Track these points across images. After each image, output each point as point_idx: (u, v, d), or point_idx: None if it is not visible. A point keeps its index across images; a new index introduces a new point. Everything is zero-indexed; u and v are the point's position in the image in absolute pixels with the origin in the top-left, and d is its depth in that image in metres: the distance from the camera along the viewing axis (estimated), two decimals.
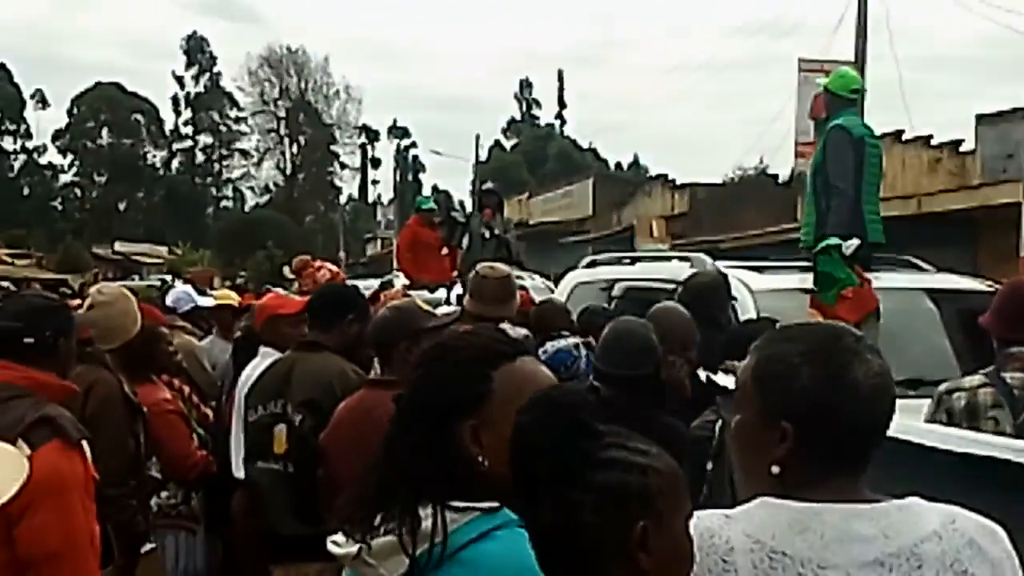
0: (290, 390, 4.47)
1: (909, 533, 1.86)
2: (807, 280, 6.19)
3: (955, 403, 4.21)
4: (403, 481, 2.06)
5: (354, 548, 2.07)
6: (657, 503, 1.68)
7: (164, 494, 5.24)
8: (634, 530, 1.66)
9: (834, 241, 6.05)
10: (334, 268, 9.37)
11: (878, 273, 6.20)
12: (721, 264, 6.46)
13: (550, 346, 5.41)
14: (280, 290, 6.90)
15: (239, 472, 4.95)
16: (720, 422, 3.65)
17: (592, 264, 8.25)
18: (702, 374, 4.06)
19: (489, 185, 12.74)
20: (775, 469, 1.90)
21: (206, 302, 8.67)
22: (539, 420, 1.74)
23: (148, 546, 4.64)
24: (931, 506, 1.93)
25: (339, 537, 2.14)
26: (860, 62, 20.34)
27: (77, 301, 6.98)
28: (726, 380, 3.61)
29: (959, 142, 19.60)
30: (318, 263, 9.41)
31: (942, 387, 4.32)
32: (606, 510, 1.67)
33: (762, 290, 5.94)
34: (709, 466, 3.58)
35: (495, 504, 1.98)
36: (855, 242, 6.15)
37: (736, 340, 4.39)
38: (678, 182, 32.69)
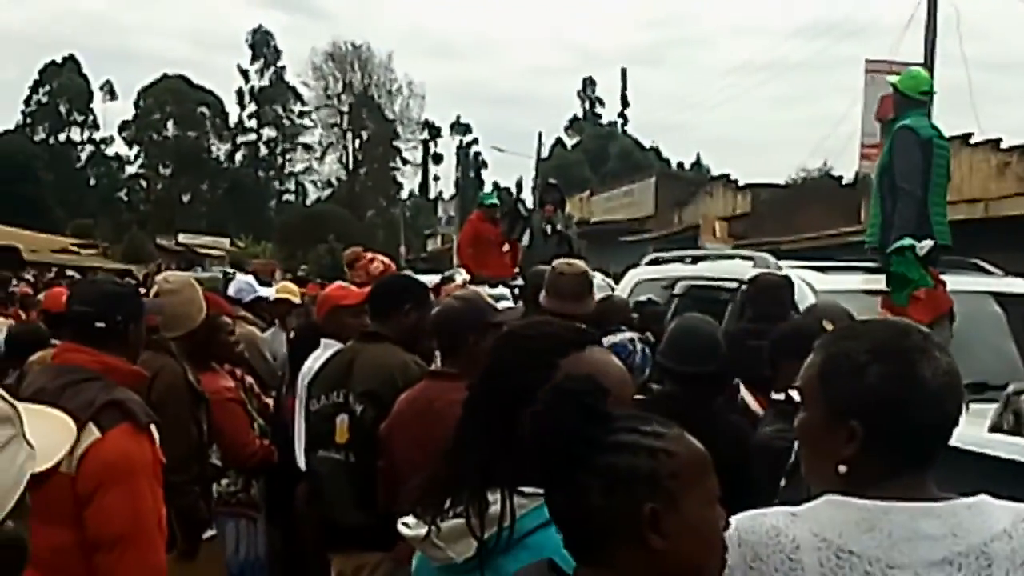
0: (352, 380, 4.49)
1: (978, 532, 1.83)
2: (871, 281, 6.15)
3: (1023, 404, 4.18)
4: (472, 466, 2.09)
5: (423, 530, 2.10)
6: (668, 485, 1.68)
7: (224, 481, 5.28)
8: (643, 512, 1.66)
9: (908, 242, 5.97)
10: (387, 261, 9.40)
11: (944, 276, 6.12)
12: (784, 264, 6.44)
13: (606, 340, 5.40)
14: (342, 282, 6.94)
15: (301, 461, 4.99)
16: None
17: (654, 262, 8.24)
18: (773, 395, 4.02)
19: (551, 181, 12.72)
20: (842, 468, 1.89)
21: (268, 293, 8.77)
22: (547, 407, 1.77)
23: (209, 532, 4.67)
24: (1001, 504, 1.90)
25: (410, 519, 2.18)
26: (928, 63, 20.06)
27: (142, 291, 7.08)
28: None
29: None
30: (370, 255, 9.44)
31: (1011, 388, 4.31)
32: (614, 493, 1.68)
33: (826, 291, 5.86)
34: (783, 483, 3.53)
35: None
36: (929, 242, 6.07)
37: (788, 338, 4.40)
38: (740, 183, 32.45)
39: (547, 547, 1.87)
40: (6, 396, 1.73)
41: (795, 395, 3.59)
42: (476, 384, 2.23)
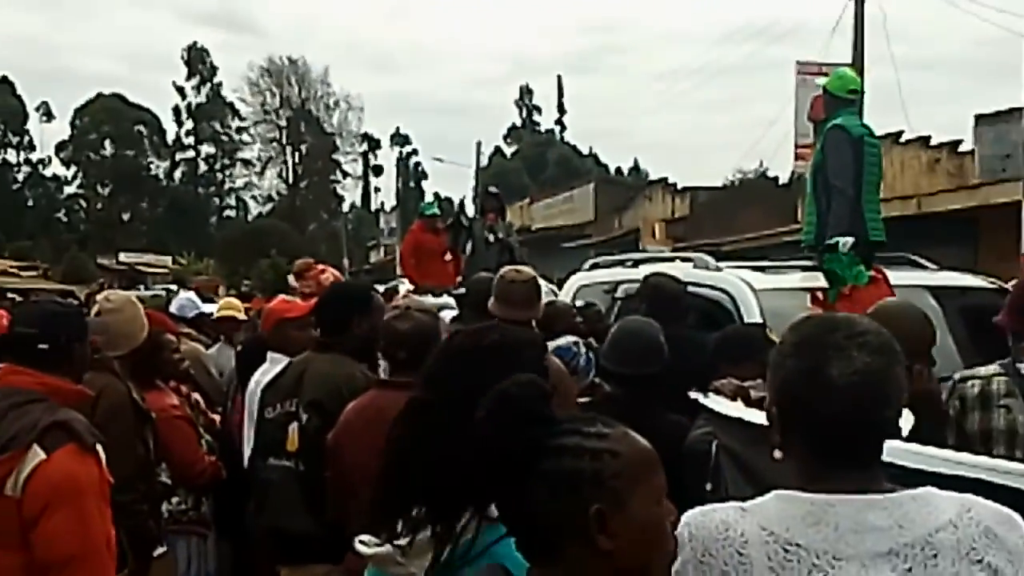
0: (301, 390, 4.50)
1: (924, 523, 1.86)
2: (810, 279, 6.24)
3: (968, 391, 4.26)
4: (442, 482, 2.09)
5: (384, 549, 2.13)
6: (613, 485, 1.70)
7: (175, 500, 5.26)
8: (589, 513, 1.68)
9: (832, 240, 6.10)
10: (336, 273, 9.38)
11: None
12: (723, 265, 6.52)
13: (550, 345, 5.44)
14: (285, 296, 6.93)
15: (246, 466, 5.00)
16: (716, 442, 3.60)
17: (595, 266, 8.28)
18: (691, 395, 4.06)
19: (492, 189, 12.72)
20: (777, 454, 1.95)
21: (211, 309, 8.73)
22: (491, 412, 1.79)
23: (160, 550, 4.65)
24: (947, 495, 1.93)
25: (365, 537, 2.20)
26: (858, 64, 20.39)
27: (84, 311, 7.02)
28: (715, 402, 3.67)
29: (958, 143, 19.66)
30: (320, 267, 9.42)
31: (957, 375, 4.37)
32: (559, 496, 1.70)
33: (765, 289, 5.96)
34: (708, 487, 3.53)
35: None
36: (850, 239, 6.19)
37: (728, 342, 4.46)
38: (679, 186, 32.73)
39: (509, 556, 1.88)
40: None
41: (708, 400, 3.69)
42: (454, 393, 2.19)
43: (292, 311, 5.64)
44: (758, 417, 3.09)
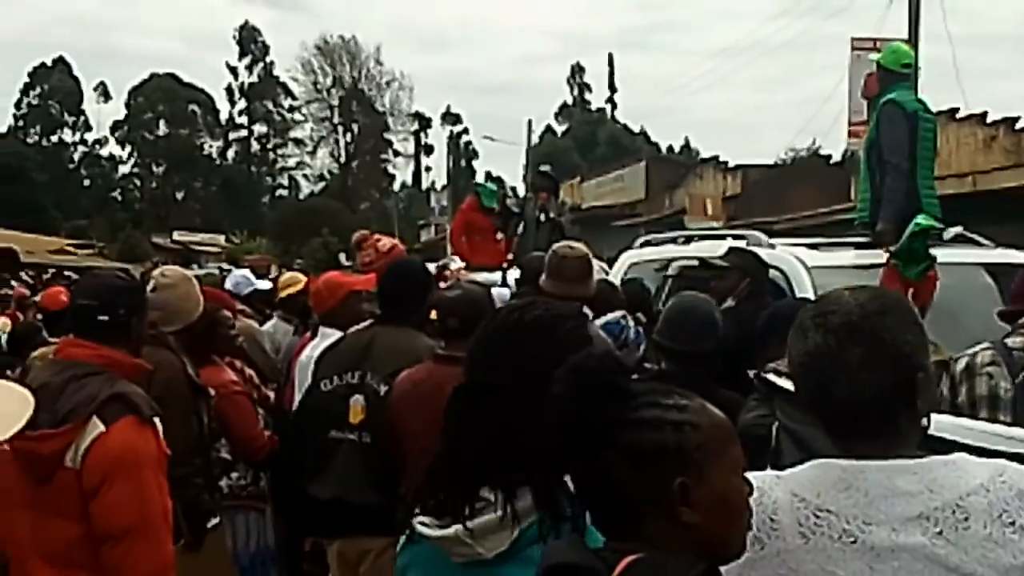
0: (371, 361, 4.49)
1: (954, 487, 1.86)
2: (862, 257, 6.19)
3: (956, 367, 4.39)
4: (503, 459, 2.12)
5: (451, 530, 2.13)
6: (696, 458, 1.70)
7: (234, 475, 5.29)
8: (672, 486, 1.68)
9: (931, 223, 5.94)
10: (393, 240, 9.45)
11: (935, 249, 6.15)
12: (776, 242, 6.49)
13: (597, 321, 5.46)
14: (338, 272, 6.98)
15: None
16: (777, 424, 3.58)
17: (646, 244, 8.26)
18: (751, 373, 4.05)
19: (544, 168, 12.64)
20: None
21: (264, 285, 8.77)
22: (569, 387, 1.78)
23: (213, 521, 4.67)
24: (979, 461, 1.94)
25: (426, 518, 2.20)
26: (913, 40, 20.10)
27: None
28: (782, 381, 3.59)
29: (1015, 119, 19.35)
30: (376, 236, 9.47)
31: (974, 348, 4.44)
32: (642, 469, 1.70)
33: (817, 267, 5.93)
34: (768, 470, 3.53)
35: None
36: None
37: (779, 318, 4.44)
38: (730, 164, 32.48)
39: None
40: None
41: (772, 377, 3.66)
42: (505, 372, 2.23)
43: (359, 284, 5.65)
44: None
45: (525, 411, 2.08)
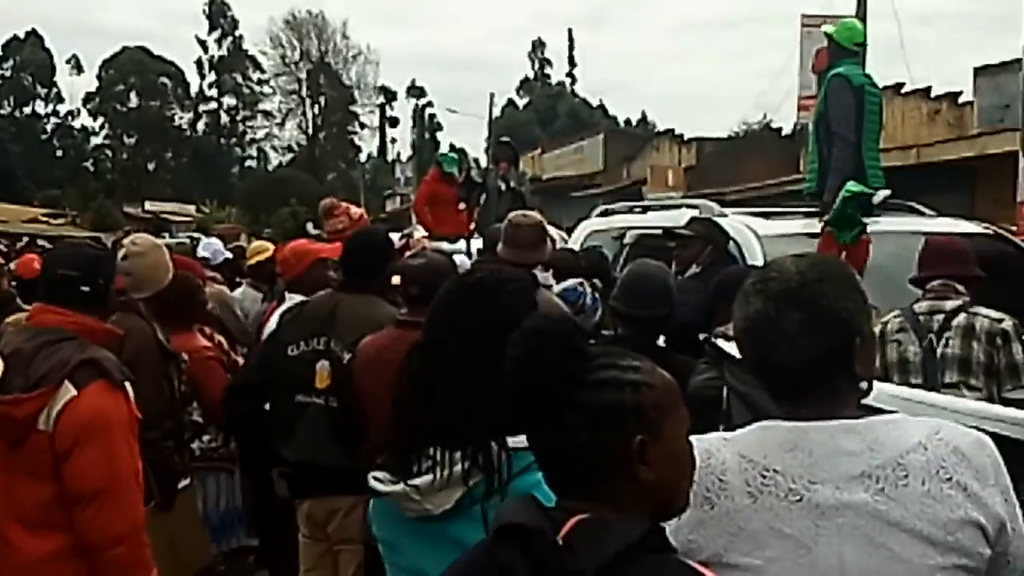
0: (336, 328, 4.56)
1: (894, 445, 1.92)
2: (811, 226, 6.29)
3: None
4: (461, 415, 2.19)
5: (399, 487, 2.22)
6: (653, 417, 1.74)
7: (206, 438, 5.39)
8: (631, 445, 1.72)
9: (859, 188, 6.09)
10: (361, 210, 9.56)
11: (879, 217, 6.27)
12: (729, 211, 6.62)
13: (556, 287, 5.57)
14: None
15: None
16: (727, 387, 3.68)
17: (605, 213, 8.34)
18: (701, 336, 4.17)
19: (504, 139, 12.69)
20: None
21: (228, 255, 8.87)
22: (529, 349, 1.80)
23: (183, 482, 4.76)
24: (918, 420, 2.02)
25: (379, 474, 2.28)
26: (861, 16, 20.33)
27: None
28: (730, 346, 3.66)
29: (957, 94, 19.74)
30: (345, 204, 9.58)
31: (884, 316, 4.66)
32: (603, 428, 1.72)
33: (769, 235, 6.01)
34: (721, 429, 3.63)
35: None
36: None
37: (727, 284, 4.59)
38: (685, 137, 32.71)
39: (537, 486, 1.94)
40: None
41: (721, 342, 3.78)
42: (449, 333, 2.31)
43: (325, 251, 5.74)
44: None
45: (465, 369, 2.21)
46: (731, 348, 3.60)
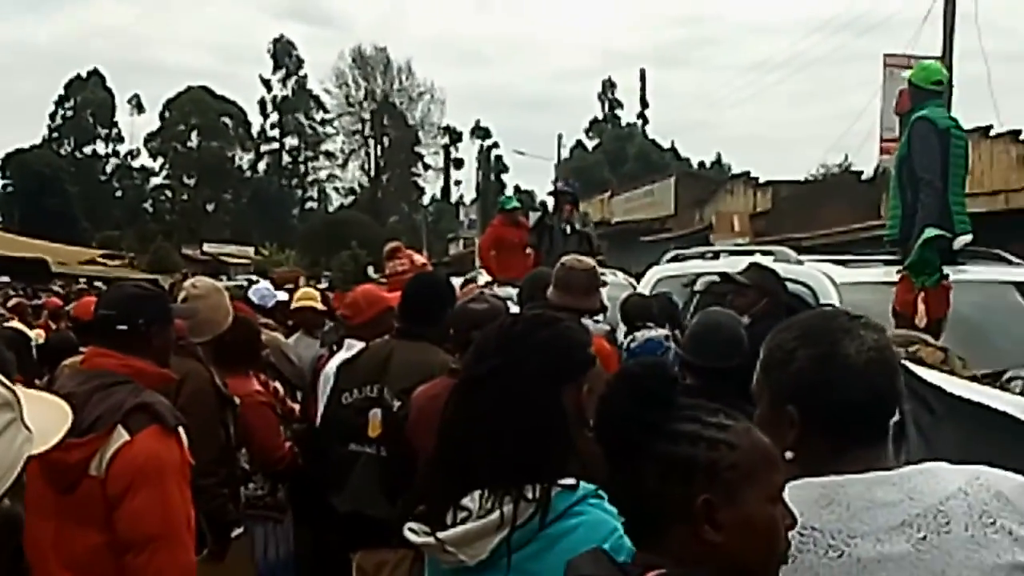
0: (388, 376, 4.52)
1: (933, 493, 1.88)
2: (891, 274, 6.13)
3: (1012, 388, 4.22)
4: (501, 460, 2.15)
5: (431, 539, 2.16)
6: (727, 477, 1.68)
7: (252, 485, 5.30)
8: (697, 503, 1.67)
9: (941, 232, 5.96)
10: (422, 258, 9.51)
11: (965, 266, 6.14)
12: (804, 259, 6.47)
13: (640, 335, 5.43)
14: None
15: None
16: None
17: (675, 259, 8.27)
18: None
19: (561, 184, 12.73)
20: (788, 455, 1.93)
21: (283, 296, 8.84)
22: (613, 391, 1.79)
23: (237, 531, 4.70)
24: (955, 468, 1.96)
25: (415, 525, 2.23)
26: (947, 57, 20.06)
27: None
28: None
29: None
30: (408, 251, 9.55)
31: (1008, 374, 4.37)
32: (670, 480, 1.69)
33: (846, 283, 5.92)
34: None
35: (572, 481, 2.11)
36: (967, 238, 6.13)
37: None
38: (760, 180, 32.41)
39: (559, 539, 1.95)
40: (5, 382, 1.78)
41: None
42: (501, 380, 2.25)
43: (395, 300, 5.61)
44: None
45: (502, 410, 2.18)
46: None
